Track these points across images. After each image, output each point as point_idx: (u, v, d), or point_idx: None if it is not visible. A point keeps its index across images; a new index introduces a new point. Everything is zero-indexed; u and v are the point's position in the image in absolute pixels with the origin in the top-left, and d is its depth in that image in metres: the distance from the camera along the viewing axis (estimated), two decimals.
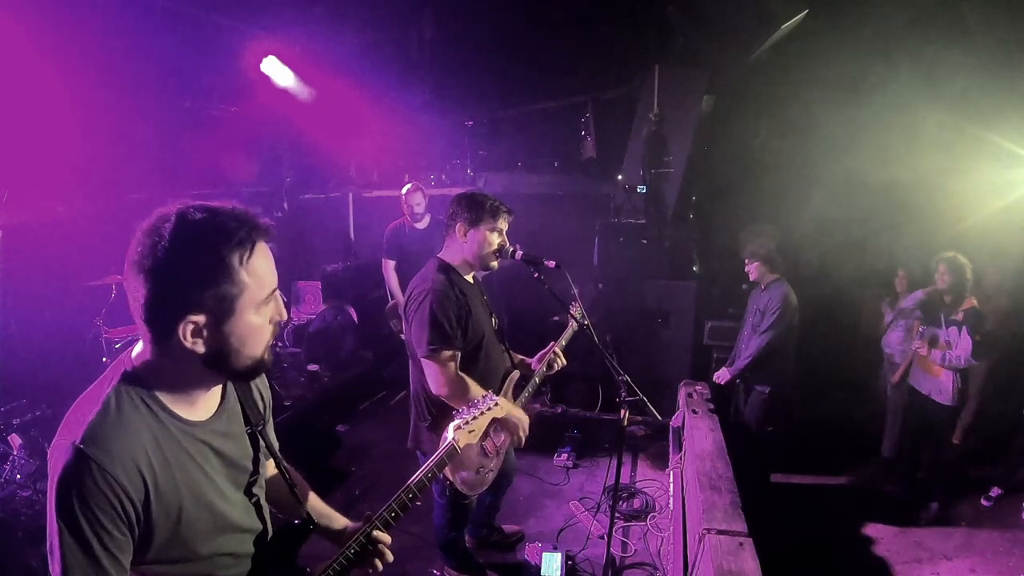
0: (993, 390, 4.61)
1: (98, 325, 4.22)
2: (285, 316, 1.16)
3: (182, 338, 1.03)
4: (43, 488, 3.29)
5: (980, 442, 4.69)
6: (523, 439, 2.54)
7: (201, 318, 1.03)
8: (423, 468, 1.56)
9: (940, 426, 3.97)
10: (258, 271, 1.07)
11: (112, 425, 1.03)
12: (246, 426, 1.28)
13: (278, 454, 1.39)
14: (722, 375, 4.16)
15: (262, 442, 1.32)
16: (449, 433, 1.69)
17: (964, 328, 3.70)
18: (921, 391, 3.99)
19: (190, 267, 1.02)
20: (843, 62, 4.90)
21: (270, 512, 1.37)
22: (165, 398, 1.11)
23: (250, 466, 1.28)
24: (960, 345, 3.70)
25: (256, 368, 1.14)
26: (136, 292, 1.03)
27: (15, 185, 3.97)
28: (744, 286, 4.32)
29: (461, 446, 1.68)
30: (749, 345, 4.03)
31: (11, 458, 3.32)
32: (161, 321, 1.04)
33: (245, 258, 1.05)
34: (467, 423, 1.72)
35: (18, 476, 3.26)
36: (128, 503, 1.02)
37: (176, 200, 1.07)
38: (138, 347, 1.13)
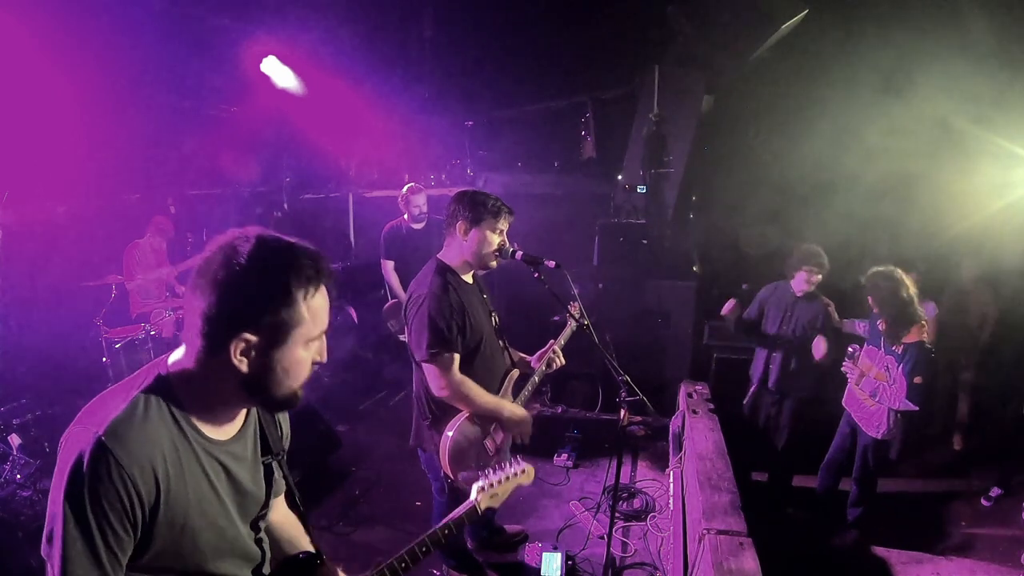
0: (992, 390, 4.61)
1: (98, 325, 4.21)
2: (325, 359, 1.20)
3: (232, 354, 1.06)
4: (43, 488, 3.29)
5: (980, 442, 4.69)
6: (526, 437, 2.61)
7: (255, 338, 1.07)
8: (440, 524, 1.56)
9: (867, 458, 3.48)
10: (316, 309, 1.12)
11: (136, 425, 1.05)
12: (264, 456, 1.29)
13: (293, 486, 1.41)
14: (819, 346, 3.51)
15: (276, 474, 1.33)
16: (472, 493, 1.67)
17: (901, 366, 3.15)
18: (852, 417, 3.52)
19: (258, 287, 1.06)
20: (843, 62, 4.91)
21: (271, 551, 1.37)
22: (191, 410, 1.13)
23: (261, 498, 1.29)
24: (895, 385, 3.17)
25: (289, 400, 1.17)
26: (199, 302, 1.06)
27: (15, 185, 3.97)
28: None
29: (482, 508, 1.66)
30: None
31: (11, 458, 3.32)
32: (217, 333, 1.06)
33: (309, 294, 1.10)
34: (492, 486, 1.68)
35: (18, 476, 3.26)
36: (137, 504, 1.03)
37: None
38: (177, 354, 1.15)
